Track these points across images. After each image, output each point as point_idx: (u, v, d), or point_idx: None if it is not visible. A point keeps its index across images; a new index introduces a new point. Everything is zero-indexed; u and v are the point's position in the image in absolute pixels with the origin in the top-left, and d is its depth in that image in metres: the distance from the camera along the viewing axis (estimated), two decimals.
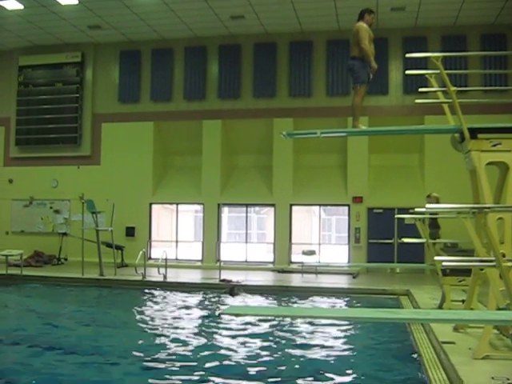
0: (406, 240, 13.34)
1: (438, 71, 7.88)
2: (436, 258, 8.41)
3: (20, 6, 19.04)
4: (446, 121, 8.55)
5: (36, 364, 7.89)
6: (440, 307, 10.90)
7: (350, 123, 19.73)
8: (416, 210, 9.49)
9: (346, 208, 21.19)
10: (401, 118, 19.42)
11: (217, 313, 12.14)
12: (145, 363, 8.04)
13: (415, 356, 8.27)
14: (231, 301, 14.19)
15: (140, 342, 9.41)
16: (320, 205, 22.31)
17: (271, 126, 20.92)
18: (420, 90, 9.02)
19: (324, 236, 24.99)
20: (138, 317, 12.10)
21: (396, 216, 15.06)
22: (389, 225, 18.68)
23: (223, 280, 16.58)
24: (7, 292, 16.04)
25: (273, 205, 21.64)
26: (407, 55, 9.21)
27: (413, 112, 19.01)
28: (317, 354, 8.65)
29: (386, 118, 19.84)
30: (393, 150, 20.31)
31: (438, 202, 13.83)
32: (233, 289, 15.13)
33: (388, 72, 20.65)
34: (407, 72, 9.66)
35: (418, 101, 9.71)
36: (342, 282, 17.64)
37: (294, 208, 21.50)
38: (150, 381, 7.22)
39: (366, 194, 20.21)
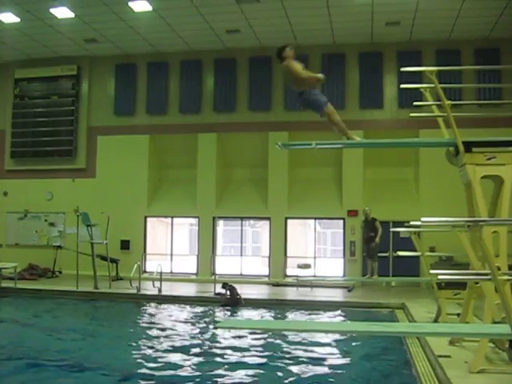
0: (401, 253, 13.32)
1: (432, 85, 7.93)
2: (431, 271, 8.42)
3: (16, 19, 19.07)
4: (441, 134, 8.59)
5: (27, 378, 7.83)
6: (435, 321, 10.88)
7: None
8: (411, 223, 9.50)
9: (341, 221, 21.19)
10: (396, 131, 19.47)
11: (211, 327, 12.08)
12: (138, 377, 7.99)
13: (411, 370, 8.24)
14: (225, 314, 14.17)
15: (133, 355, 9.36)
16: (315, 218, 22.30)
17: (266, 139, 20.94)
18: (415, 103, 9.07)
19: (319, 249, 24.93)
20: (132, 330, 12.05)
21: (391, 229, 15.05)
22: (384, 238, 18.65)
23: (218, 293, 16.52)
24: (0, 305, 15.97)
25: (268, 218, 21.62)
26: (402, 69, 9.27)
27: (408, 126, 19.06)
28: (311, 368, 8.62)
29: (381, 131, 19.88)
30: (388, 163, 20.35)
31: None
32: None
33: (383, 86, 20.76)
34: (402, 86, 9.72)
35: (412, 114, 9.73)
36: (337, 295, 17.63)
37: (289, 221, 21.49)
38: None
39: (361, 208, 20.19)
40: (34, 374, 8.03)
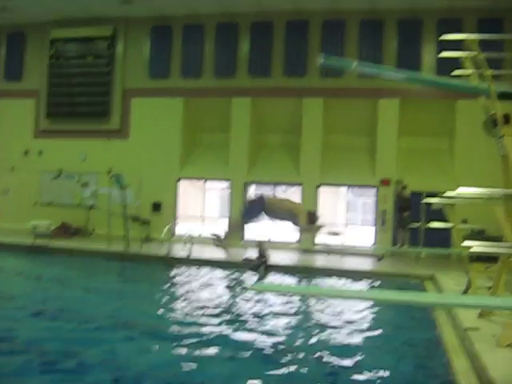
0: (433, 225, 13.17)
1: (474, 53, 7.72)
2: (464, 243, 8.30)
3: None
4: (478, 105, 8.39)
5: (56, 333, 7.98)
6: (465, 293, 10.79)
7: (381, 104, 19.67)
8: (446, 194, 9.36)
9: (374, 190, 21.05)
10: (433, 100, 19.17)
11: (241, 289, 12.15)
12: (163, 333, 8.09)
13: (438, 342, 8.20)
14: (255, 277, 14.24)
15: (160, 314, 9.47)
16: (347, 186, 22.19)
17: (301, 105, 20.81)
18: (454, 73, 8.85)
19: (350, 218, 24.85)
20: (160, 291, 12.17)
21: (424, 200, 14.88)
22: (416, 209, 18.48)
23: (246, 259, 16.56)
24: (34, 262, 16.29)
25: (300, 184, 21.57)
26: (443, 37, 9.03)
27: (445, 95, 18.70)
28: (338, 336, 8.63)
29: (418, 100, 19.62)
30: (423, 133, 20.10)
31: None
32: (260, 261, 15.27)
33: (421, 55, 20.35)
34: (442, 54, 9.48)
35: None
36: (366, 264, 17.58)
37: (320, 188, 21.41)
38: (172, 352, 7.28)
39: (395, 177, 20.01)
40: (62, 329, 8.17)
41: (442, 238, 18.06)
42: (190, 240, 17.09)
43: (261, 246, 15.99)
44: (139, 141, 22.57)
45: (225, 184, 23.43)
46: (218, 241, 13.43)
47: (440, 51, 9.30)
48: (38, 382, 6.04)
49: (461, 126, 19.38)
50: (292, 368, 6.81)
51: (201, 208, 23.01)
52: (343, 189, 23.74)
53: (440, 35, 9.55)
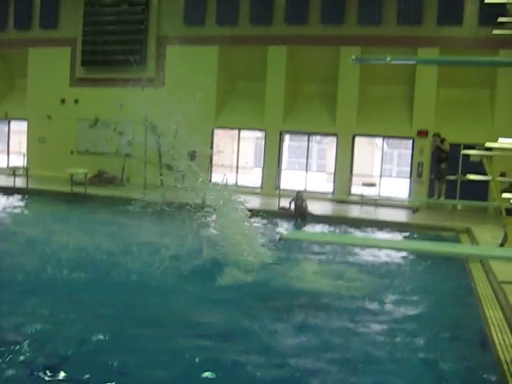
0: (470, 177, 12.97)
1: None
2: (503, 195, 8.17)
3: None
4: None
5: (92, 275, 8.20)
6: (502, 247, 10.68)
7: (420, 54, 19.17)
8: (486, 145, 9.17)
9: (410, 141, 20.75)
10: (474, 50, 18.63)
11: (277, 237, 12.18)
12: (193, 274, 8.19)
13: (472, 295, 8.16)
14: (289, 227, 14.30)
15: (192, 257, 9.59)
16: (383, 137, 21.93)
17: (338, 54, 20.42)
18: (499, 20, 8.57)
19: (385, 169, 24.63)
20: (195, 237, 12.26)
21: (462, 152, 14.63)
22: (453, 161, 18.22)
23: (282, 208, 16.64)
24: (71, 209, 16.56)
25: (335, 134, 21.38)
26: None
27: (487, 45, 18.15)
28: (370, 285, 8.67)
29: (459, 49, 19.09)
30: (462, 83, 19.61)
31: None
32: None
33: (463, 0, 19.69)
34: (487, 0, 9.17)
35: (495, 32, 9.24)
36: (401, 215, 17.47)
37: (356, 139, 21.19)
38: (209, 297, 7.40)
39: (432, 129, 19.64)
40: (98, 275, 8.35)
41: (479, 191, 17.86)
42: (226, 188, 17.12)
43: (299, 196, 16.10)
44: (174, 89, 22.40)
45: (259, 133, 23.37)
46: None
47: None
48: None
49: (502, 77, 18.88)
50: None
51: (235, 157, 23.01)
52: (379, 140, 23.46)
53: None
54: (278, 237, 12.12)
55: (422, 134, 20.04)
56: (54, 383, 4.93)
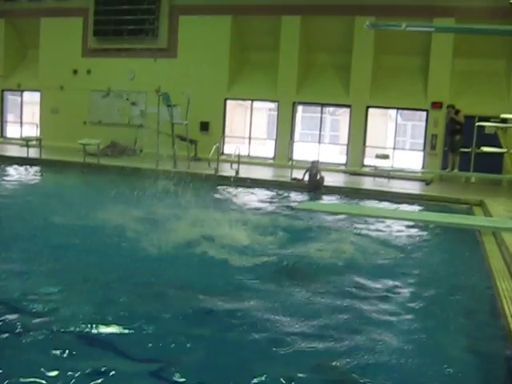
0: (485, 149, 12.87)
1: None
2: None
3: None
4: None
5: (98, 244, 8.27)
6: None
7: (436, 23, 18.80)
8: (501, 116, 9.08)
9: (424, 113, 20.56)
10: (491, 20, 18.30)
11: (290, 208, 12.19)
12: (213, 253, 8.24)
13: (484, 267, 8.14)
14: (302, 197, 14.30)
15: (208, 229, 9.63)
16: (397, 108, 21.73)
17: (352, 24, 20.13)
18: None
19: (398, 141, 24.48)
20: (210, 208, 12.28)
21: (476, 124, 14.50)
22: (467, 133, 18.05)
23: (294, 178, 16.63)
24: (85, 179, 16.62)
25: (349, 106, 21.23)
26: None
27: (505, 15, 17.83)
28: (382, 256, 8.69)
29: (475, 20, 18.78)
30: (478, 54, 19.31)
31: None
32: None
33: None
34: None
35: None
36: (414, 188, 17.38)
37: (369, 110, 21.03)
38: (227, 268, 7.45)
39: (447, 100, 19.40)
40: (108, 243, 8.42)
41: (493, 164, 17.73)
42: (238, 159, 17.16)
43: (314, 166, 16.08)
44: (187, 59, 22.35)
45: (272, 105, 23.26)
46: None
47: None
48: None
49: None
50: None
51: (247, 128, 22.95)
52: (393, 112, 23.29)
53: None
54: (291, 207, 12.15)
55: (437, 105, 19.83)
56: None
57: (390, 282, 7.31)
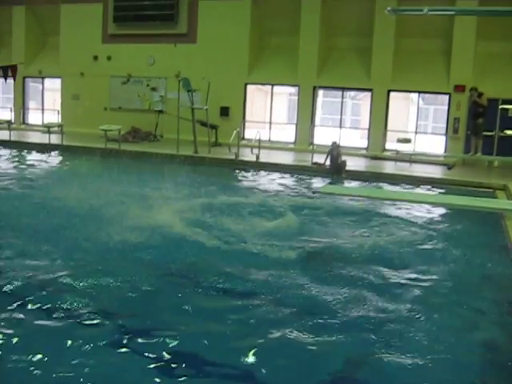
0: (508, 132, 12.71)
1: None
2: None
3: None
4: None
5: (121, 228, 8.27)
6: None
7: (460, 4, 18.52)
8: None
9: (447, 97, 20.31)
10: None
11: (312, 192, 12.14)
12: (234, 237, 8.24)
13: (508, 255, 8.05)
14: (323, 182, 14.24)
15: (228, 213, 9.65)
16: (419, 92, 21.48)
17: (373, 6, 19.90)
18: None
19: (420, 125, 24.23)
20: (230, 194, 12.29)
21: (500, 107, 14.31)
22: (491, 116, 17.80)
23: (315, 163, 16.56)
24: (106, 165, 16.68)
25: (370, 90, 21.03)
26: None
27: None
28: (405, 239, 8.64)
29: (498, 2, 18.48)
30: (502, 36, 18.98)
31: None
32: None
33: None
34: None
35: None
36: (436, 172, 17.22)
37: (391, 94, 20.82)
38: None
39: (469, 83, 19.13)
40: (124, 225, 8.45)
41: None
42: (259, 144, 17.13)
43: (334, 147, 16.00)
44: (207, 45, 22.30)
45: (293, 89, 23.15)
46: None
47: None
48: None
49: None
50: None
51: (268, 113, 22.88)
52: (414, 95, 23.06)
53: None
54: (312, 191, 12.10)
55: (459, 88, 19.56)
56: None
57: (415, 270, 7.23)
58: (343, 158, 15.96)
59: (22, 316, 5.19)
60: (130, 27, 23.56)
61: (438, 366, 4.70)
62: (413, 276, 6.93)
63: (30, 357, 4.43)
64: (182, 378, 4.34)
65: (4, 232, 7.98)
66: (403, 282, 6.72)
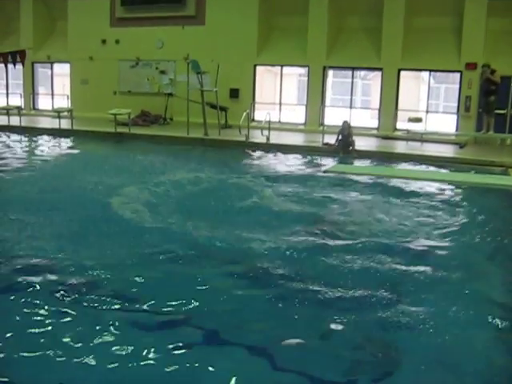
0: None
1: None
2: None
3: None
4: None
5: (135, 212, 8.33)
6: None
7: None
8: None
9: (458, 75, 20.10)
10: None
11: (322, 171, 12.10)
12: (246, 217, 8.23)
13: None
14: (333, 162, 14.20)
15: (241, 194, 9.63)
16: (430, 70, 21.26)
17: None
18: None
19: (431, 104, 24.04)
20: (241, 174, 12.28)
21: None
22: (503, 94, 17.62)
23: (326, 143, 16.49)
24: (117, 148, 16.72)
25: (380, 69, 20.87)
26: None
27: None
28: (417, 220, 8.59)
29: None
30: None
31: None
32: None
33: None
34: None
35: None
36: (448, 151, 17.10)
37: (401, 73, 20.64)
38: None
39: (481, 61, 18.90)
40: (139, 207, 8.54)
41: None
42: (268, 125, 17.08)
43: (345, 126, 15.91)
44: (215, 26, 22.17)
45: (302, 70, 23.00)
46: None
47: None
48: None
49: None
50: None
51: (278, 94, 22.77)
52: (425, 74, 22.84)
53: None
54: (322, 170, 12.05)
55: (471, 66, 19.34)
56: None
57: (431, 246, 7.23)
58: (354, 138, 15.87)
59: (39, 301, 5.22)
60: (137, 10, 23.45)
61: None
62: (426, 254, 6.94)
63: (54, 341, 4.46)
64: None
65: (16, 215, 8.02)
66: (416, 259, 6.75)
